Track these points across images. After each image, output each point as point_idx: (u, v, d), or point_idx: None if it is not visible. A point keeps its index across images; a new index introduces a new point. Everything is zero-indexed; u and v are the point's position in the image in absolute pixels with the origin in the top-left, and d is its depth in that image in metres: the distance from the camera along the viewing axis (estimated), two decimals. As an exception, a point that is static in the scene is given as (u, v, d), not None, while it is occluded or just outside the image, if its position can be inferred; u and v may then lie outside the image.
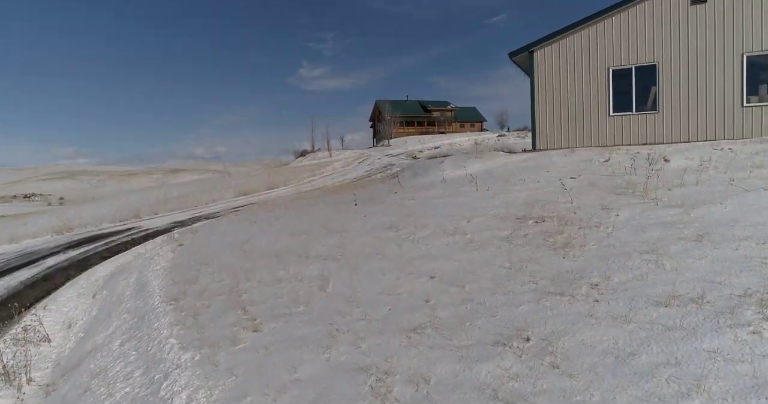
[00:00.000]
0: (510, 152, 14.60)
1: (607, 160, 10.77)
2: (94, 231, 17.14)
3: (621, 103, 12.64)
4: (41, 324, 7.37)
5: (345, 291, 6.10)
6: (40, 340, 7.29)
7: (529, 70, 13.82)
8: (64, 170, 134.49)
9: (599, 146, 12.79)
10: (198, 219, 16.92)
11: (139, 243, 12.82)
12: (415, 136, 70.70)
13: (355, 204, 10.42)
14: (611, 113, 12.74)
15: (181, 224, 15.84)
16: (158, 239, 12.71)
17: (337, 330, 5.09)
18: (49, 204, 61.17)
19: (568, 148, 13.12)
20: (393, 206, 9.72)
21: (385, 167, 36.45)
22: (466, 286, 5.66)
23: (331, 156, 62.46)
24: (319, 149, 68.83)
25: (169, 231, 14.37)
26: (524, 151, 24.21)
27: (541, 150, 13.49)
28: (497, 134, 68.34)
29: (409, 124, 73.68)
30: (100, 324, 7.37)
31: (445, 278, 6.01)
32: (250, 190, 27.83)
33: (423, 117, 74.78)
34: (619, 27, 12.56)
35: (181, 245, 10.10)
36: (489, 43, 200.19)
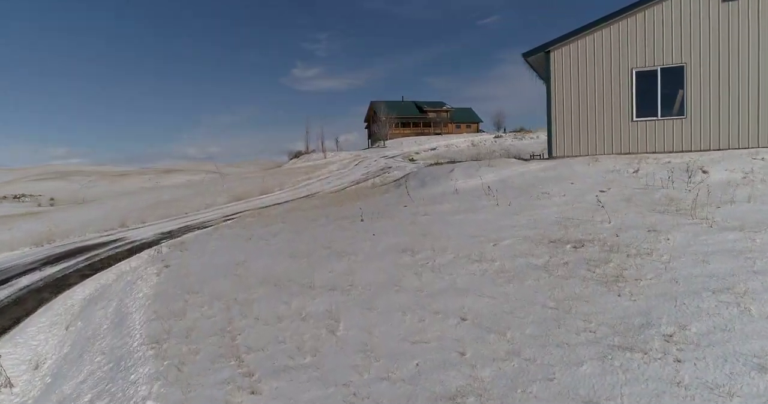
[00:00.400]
0: (523, 159, 13.65)
1: (637, 171, 9.85)
2: (77, 242, 16.02)
3: (645, 108, 11.74)
4: (1, 366, 6.34)
5: (359, 336, 5.12)
6: (0, 385, 6.27)
7: (545, 72, 12.89)
8: (56, 170, 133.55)
9: (621, 154, 11.89)
10: (188, 229, 15.87)
11: (123, 259, 11.75)
12: (410, 137, 69.79)
13: (361, 220, 9.43)
14: (634, 118, 11.84)
15: (170, 235, 14.78)
16: (144, 254, 11.64)
17: (354, 394, 4.12)
18: (39, 205, 59.32)
19: (588, 155, 12.20)
20: (404, 223, 8.75)
21: (382, 170, 35.46)
22: (507, 333, 4.70)
23: (326, 157, 61.40)
24: (313, 150, 67.69)
25: (156, 244, 13.33)
26: (536, 157, 23.26)
27: (558, 157, 12.56)
28: (494, 135, 67.61)
29: (404, 125, 72.73)
30: (71, 367, 6.33)
31: (479, 320, 5.04)
32: (244, 194, 26.74)
33: (418, 118, 73.88)
34: (643, 25, 11.66)
35: (167, 266, 9.06)
36: (483, 44, 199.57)
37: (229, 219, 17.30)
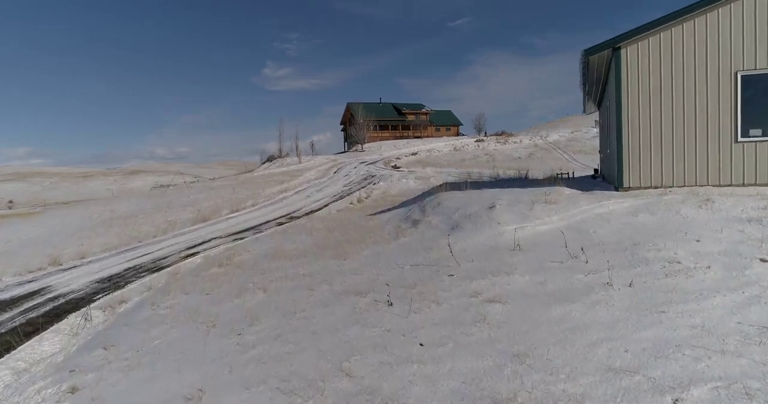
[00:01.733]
0: (582, 190, 10.44)
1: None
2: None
3: (755, 123, 8.74)
4: None
5: None
6: None
7: (614, 74, 9.77)
8: (15, 171, 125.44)
9: (720, 185, 8.87)
10: (135, 273, 12.17)
11: (24, 341, 8.02)
12: (389, 141, 66.63)
13: (389, 303, 6.06)
14: (739, 138, 8.83)
15: (107, 286, 11.07)
16: (55, 339, 7.94)
17: None
18: None
19: (672, 186, 9.14)
20: (464, 318, 5.39)
21: (366, 179, 32.11)
22: None
23: (301, 162, 57.60)
24: (287, 154, 63.78)
25: (85, 302, 9.69)
26: (563, 176, 19.01)
27: (633, 188, 9.44)
28: (475, 139, 65.12)
29: (383, 128, 69.50)
30: None
31: None
32: (211, 212, 22.90)
33: (397, 120, 70.77)
34: (752, 13, 8.66)
35: (73, 391, 5.50)
36: (454, 45, 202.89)
37: (191, 256, 13.68)
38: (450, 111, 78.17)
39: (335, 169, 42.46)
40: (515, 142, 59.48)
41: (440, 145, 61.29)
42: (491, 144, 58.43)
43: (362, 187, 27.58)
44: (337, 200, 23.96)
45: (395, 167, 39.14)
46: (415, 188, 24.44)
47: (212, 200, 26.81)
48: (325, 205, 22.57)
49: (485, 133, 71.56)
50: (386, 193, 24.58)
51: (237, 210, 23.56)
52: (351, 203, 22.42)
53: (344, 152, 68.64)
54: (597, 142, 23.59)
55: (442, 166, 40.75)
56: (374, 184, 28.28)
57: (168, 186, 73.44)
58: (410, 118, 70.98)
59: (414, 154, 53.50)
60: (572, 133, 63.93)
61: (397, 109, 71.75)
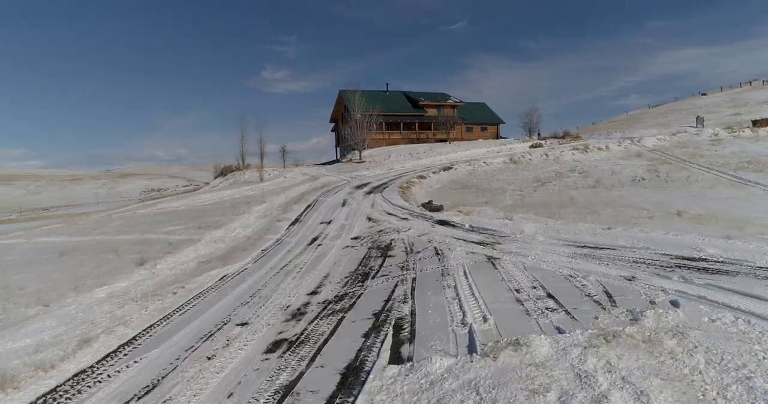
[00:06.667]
0: None
1: None
2: None
3: None
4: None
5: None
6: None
7: None
8: (1, 173, 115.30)
9: None
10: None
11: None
12: (401, 146, 45.33)
13: None
14: None
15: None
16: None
17: None
18: None
19: None
20: None
21: (383, 253, 10.98)
22: None
23: (262, 179, 36.37)
24: (247, 167, 42.51)
25: None
26: None
27: None
28: (530, 143, 43.66)
29: (392, 126, 48.15)
30: None
31: None
32: None
33: (413, 115, 49.32)
34: None
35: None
36: (450, 49, 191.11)
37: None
38: (485, 104, 56.64)
39: (311, 202, 21.14)
40: (599, 149, 38.14)
41: (481, 152, 39.93)
42: (565, 152, 37.03)
43: (381, 275, 6.85)
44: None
45: (431, 208, 17.70)
46: None
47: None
48: None
49: (538, 134, 50.19)
50: None
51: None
52: None
53: (335, 162, 47.31)
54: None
55: (522, 205, 19.40)
56: (403, 280, 7.47)
57: (158, 190, 58.85)
58: (430, 112, 49.53)
59: (447, 168, 32.11)
60: (674, 135, 42.60)
61: (412, 99, 50.30)
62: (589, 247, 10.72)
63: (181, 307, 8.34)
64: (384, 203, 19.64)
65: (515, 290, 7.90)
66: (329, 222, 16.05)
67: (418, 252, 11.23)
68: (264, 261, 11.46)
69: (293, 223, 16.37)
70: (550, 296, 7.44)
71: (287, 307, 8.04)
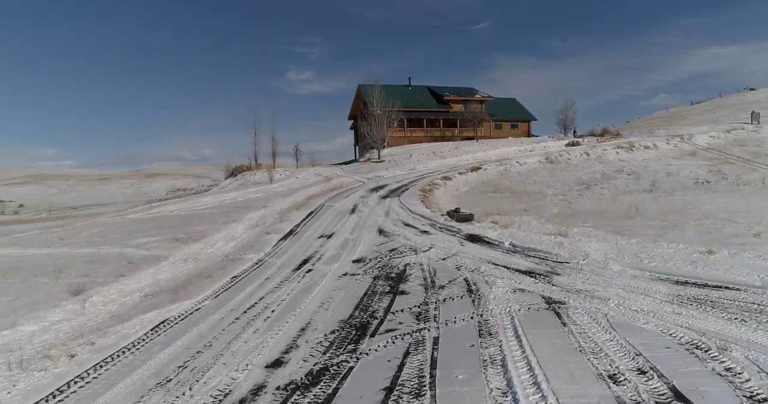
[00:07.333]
0: None
1: None
2: None
3: None
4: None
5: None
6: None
7: None
8: (37, 173, 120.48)
9: None
10: None
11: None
12: (424, 144, 42.01)
13: None
14: None
15: None
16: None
17: None
18: (2, 213, 46.03)
19: None
20: None
21: (390, 279, 7.84)
22: None
23: (272, 180, 33.51)
24: (259, 166, 39.77)
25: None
26: None
27: None
28: (566, 142, 39.79)
29: (414, 123, 44.80)
30: None
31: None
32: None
33: (437, 112, 45.86)
34: None
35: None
36: (477, 47, 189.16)
37: None
38: (515, 99, 52.71)
39: (308, 211, 18.00)
40: (646, 148, 34.08)
41: (512, 151, 36.28)
42: (608, 151, 33.12)
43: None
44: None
45: (459, 218, 14.33)
46: None
47: None
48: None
49: (574, 131, 46.12)
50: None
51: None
52: None
53: (353, 162, 44.24)
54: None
55: (572, 214, 15.87)
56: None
57: (184, 190, 58.09)
58: (456, 108, 45.95)
59: (475, 168, 28.62)
60: (728, 132, 38.15)
61: (436, 94, 46.82)
62: (697, 285, 7.26)
63: (61, 390, 5.21)
64: (401, 210, 16.34)
65: (609, 377, 4.58)
66: (330, 236, 12.84)
67: (443, 286, 7.93)
68: (227, 296, 8.30)
69: (286, 237, 13.22)
70: (680, 398, 4.09)
71: (226, 395, 4.85)
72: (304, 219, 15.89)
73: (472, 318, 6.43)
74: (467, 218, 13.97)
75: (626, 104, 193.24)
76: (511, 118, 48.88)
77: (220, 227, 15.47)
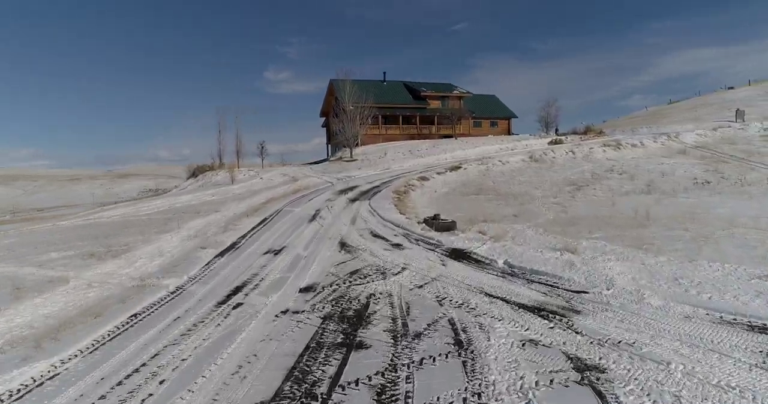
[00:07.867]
0: None
1: None
2: None
3: None
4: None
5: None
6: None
7: None
8: (2, 174, 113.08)
9: None
10: None
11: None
12: (399, 142, 39.68)
13: None
14: None
15: None
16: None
17: None
18: None
19: None
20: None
21: (345, 321, 5.33)
22: None
23: (234, 181, 30.66)
24: (222, 165, 36.85)
25: None
26: None
27: None
28: (549, 140, 37.97)
29: (389, 120, 42.38)
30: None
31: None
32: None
33: (414, 108, 43.54)
34: None
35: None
36: (458, 49, 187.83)
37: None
38: (495, 96, 50.68)
39: (261, 218, 15.42)
40: (633, 146, 32.42)
41: (493, 149, 34.21)
42: (594, 149, 31.31)
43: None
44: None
45: (439, 227, 11.94)
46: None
47: None
48: None
49: (556, 129, 44.40)
50: None
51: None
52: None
53: (324, 161, 41.61)
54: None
55: (571, 223, 13.63)
56: None
57: (155, 190, 53.62)
58: (434, 104, 43.67)
59: (455, 168, 26.35)
60: (715, 130, 36.90)
61: (413, 90, 44.43)
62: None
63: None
64: (370, 217, 13.89)
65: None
66: (278, 252, 10.28)
67: (419, 334, 5.51)
68: (107, 351, 5.68)
69: (224, 252, 10.60)
70: None
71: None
72: (253, 229, 13.27)
73: (464, 401, 4.02)
74: (448, 227, 11.59)
75: (601, 104, 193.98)
76: (491, 115, 46.89)
77: (151, 238, 12.74)
